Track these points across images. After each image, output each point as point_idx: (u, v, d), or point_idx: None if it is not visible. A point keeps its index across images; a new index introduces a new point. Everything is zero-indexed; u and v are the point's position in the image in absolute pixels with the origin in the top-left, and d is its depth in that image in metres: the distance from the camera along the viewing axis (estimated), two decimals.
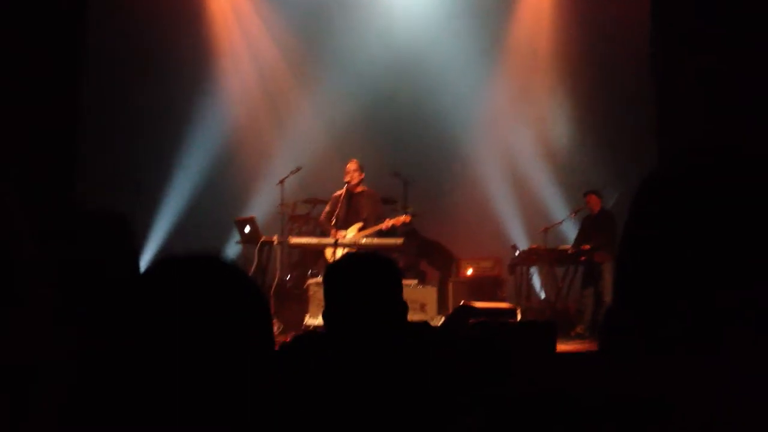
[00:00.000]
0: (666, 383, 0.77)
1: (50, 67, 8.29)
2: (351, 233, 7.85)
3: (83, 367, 0.98)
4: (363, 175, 7.99)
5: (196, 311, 0.98)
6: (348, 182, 7.88)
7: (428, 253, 9.89)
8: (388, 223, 7.84)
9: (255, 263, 7.97)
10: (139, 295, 1.00)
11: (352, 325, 2.01)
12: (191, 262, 1.04)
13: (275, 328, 7.83)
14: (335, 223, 7.78)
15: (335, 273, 2.15)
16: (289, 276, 9.22)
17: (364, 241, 7.77)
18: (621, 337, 0.83)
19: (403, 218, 7.98)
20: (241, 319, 1.01)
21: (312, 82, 10.93)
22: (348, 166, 7.98)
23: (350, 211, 7.93)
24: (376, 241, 7.80)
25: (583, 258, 8.55)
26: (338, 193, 8.06)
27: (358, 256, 2.23)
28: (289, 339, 2.72)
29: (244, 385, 0.99)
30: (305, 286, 8.70)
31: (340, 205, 7.82)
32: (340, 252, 7.78)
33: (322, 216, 8.24)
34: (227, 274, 1.04)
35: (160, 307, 0.98)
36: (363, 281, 2.04)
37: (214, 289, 1.01)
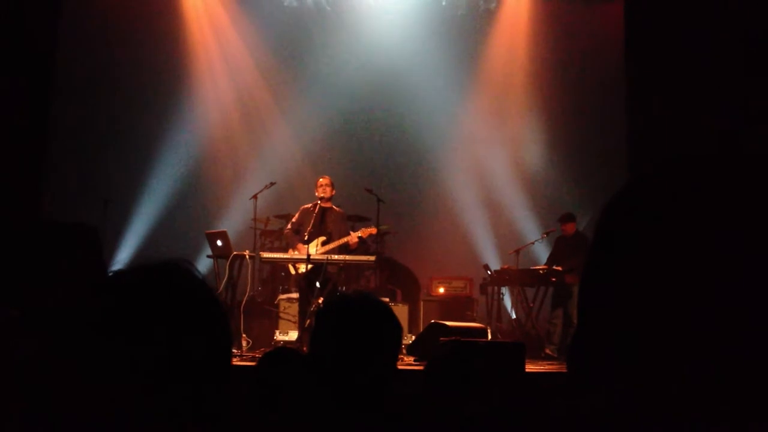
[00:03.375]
0: (628, 406, 0.78)
1: (20, 82, 8.19)
2: (314, 247, 7.79)
3: (42, 372, 0.97)
4: (334, 192, 7.99)
5: (148, 319, 0.97)
6: (322, 197, 7.86)
7: (400, 271, 9.89)
8: (354, 236, 7.81)
9: (226, 278, 7.89)
10: (96, 302, 1.00)
11: (337, 368, 1.88)
12: (146, 270, 1.03)
13: (244, 344, 7.77)
14: (307, 238, 7.73)
15: (346, 314, 1.94)
16: (259, 290, 9.16)
17: (336, 257, 7.73)
18: (586, 360, 0.83)
19: (369, 230, 7.96)
20: (194, 327, 1.00)
21: (288, 99, 10.93)
22: (321, 180, 7.96)
23: (321, 227, 7.90)
24: (348, 257, 7.77)
25: (554, 279, 8.61)
26: (307, 206, 8.02)
27: (372, 311, 2.00)
28: (259, 355, 2.69)
29: (195, 395, 0.98)
30: (276, 302, 8.64)
31: (312, 220, 7.79)
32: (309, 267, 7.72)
33: (288, 226, 8.18)
34: (181, 283, 1.03)
35: (113, 315, 0.97)
36: (367, 336, 1.88)
37: (166, 297, 1.00)
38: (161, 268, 1.04)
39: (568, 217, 8.93)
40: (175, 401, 0.96)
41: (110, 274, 1.04)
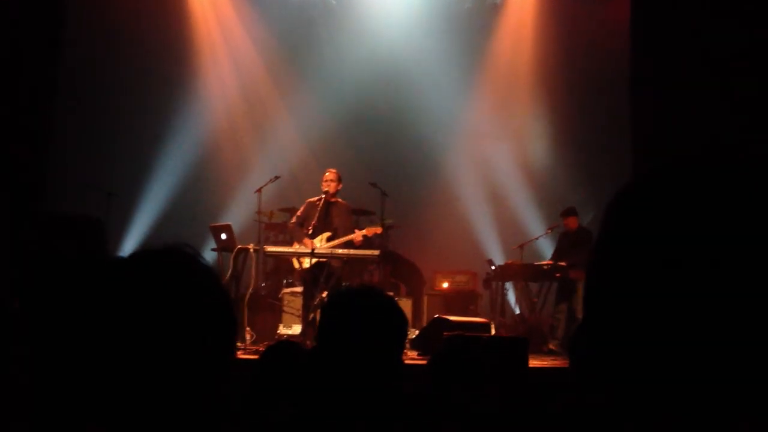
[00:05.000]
0: (631, 402, 0.78)
1: (25, 75, 8.19)
2: (319, 243, 7.79)
3: (41, 364, 0.97)
4: (341, 186, 7.95)
5: (153, 304, 0.97)
6: (326, 191, 7.84)
7: (404, 265, 9.89)
8: (359, 234, 7.79)
9: (230, 271, 7.91)
10: (99, 287, 0.99)
11: (343, 366, 1.89)
12: (154, 255, 1.03)
13: (248, 338, 7.78)
14: (312, 232, 7.73)
15: (349, 308, 1.94)
16: (263, 284, 9.17)
17: (340, 251, 7.73)
18: (589, 355, 0.83)
19: (374, 229, 7.94)
20: (200, 313, 1.00)
21: (292, 92, 10.93)
22: (327, 175, 7.93)
23: (326, 221, 7.89)
24: (352, 252, 7.77)
25: (558, 274, 8.60)
26: (313, 199, 8.00)
27: (379, 304, 2.02)
28: (263, 348, 2.69)
29: (201, 382, 0.97)
30: (280, 296, 8.65)
31: (317, 214, 7.78)
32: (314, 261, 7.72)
33: (293, 219, 8.17)
34: (189, 268, 1.03)
35: (118, 299, 0.97)
36: (374, 330, 1.89)
37: (173, 282, 1.00)
38: (164, 253, 1.03)
39: (569, 212, 8.93)
40: (178, 388, 0.96)
41: (112, 260, 1.03)
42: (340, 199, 8.01)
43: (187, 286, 1.01)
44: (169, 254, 1.03)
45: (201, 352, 0.98)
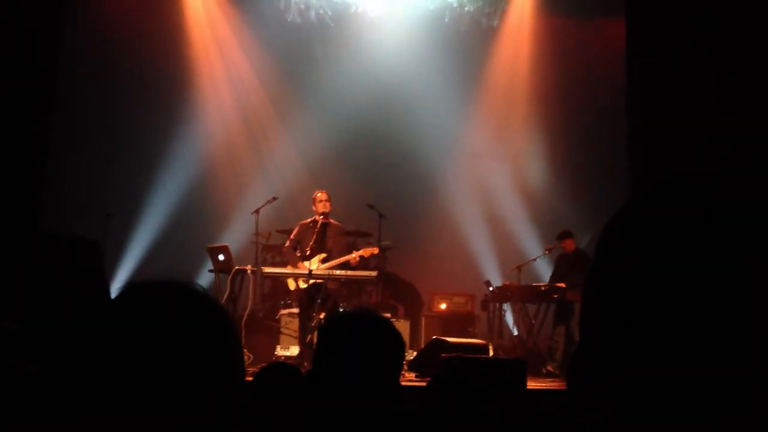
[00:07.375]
0: (629, 424, 0.78)
1: (22, 96, 8.22)
2: (314, 264, 7.76)
3: (45, 386, 0.97)
4: (331, 207, 7.95)
5: (162, 337, 0.97)
6: (324, 212, 7.82)
7: (401, 287, 9.88)
8: (356, 255, 7.77)
9: (227, 292, 7.88)
10: (106, 318, 0.99)
11: (340, 388, 1.88)
12: (160, 287, 1.03)
13: (245, 359, 7.75)
14: (309, 254, 7.71)
15: (345, 332, 1.94)
16: (261, 305, 9.14)
17: (338, 272, 7.70)
18: (587, 377, 0.83)
19: (371, 250, 7.92)
20: (207, 345, 1.00)
21: (291, 114, 10.96)
22: (320, 195, 7.90)
23: (322, 242, 7.87)
24: (350, 273, 7.75)
25: (555, 296, 8.59)
26: (306, 221, 7.98)
27: (375, 327, 2.02)
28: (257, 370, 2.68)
29: (209, 412, 0.97)
30: (277, 317, 8.62)
31: (314, 236, 7.77)
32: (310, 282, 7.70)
33: (287, 243, 8.15)
34: (196, 301, 1.03)
35: (125, 331, 0.97)
36: (370, 353, 1.89)
37: (182, 314, 1.00)
38: (174, 287, 1.04)
39: (565, 234, 8.93)
40: (183, 421, 0.95)
41: (122, 289, 1.03)
42: (332, 220, 8.00)
43: (199, 320, 1.01)
44: (179, 287, 1.04)
45: (209, 387, 0.98)
